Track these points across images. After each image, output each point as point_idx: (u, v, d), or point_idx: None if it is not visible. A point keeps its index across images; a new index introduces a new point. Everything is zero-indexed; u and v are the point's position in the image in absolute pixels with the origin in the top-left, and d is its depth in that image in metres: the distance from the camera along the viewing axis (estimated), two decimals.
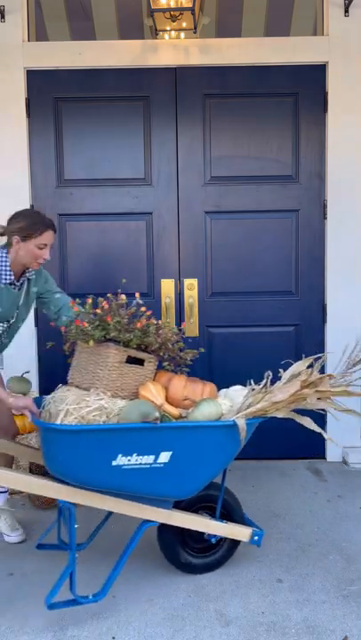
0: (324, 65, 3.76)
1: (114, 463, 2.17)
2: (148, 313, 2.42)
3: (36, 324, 3.90)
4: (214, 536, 2.48)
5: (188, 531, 2.47)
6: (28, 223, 2.49)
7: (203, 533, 2.47)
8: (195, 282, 3.85)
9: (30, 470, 3.25)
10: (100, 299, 2.37)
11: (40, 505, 3.22)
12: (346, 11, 3.68)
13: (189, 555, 2.53)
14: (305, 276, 3.88)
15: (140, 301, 2.45)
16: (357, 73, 3.73)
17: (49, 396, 2.39)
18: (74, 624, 2.25)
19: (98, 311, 2.34)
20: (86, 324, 2.30)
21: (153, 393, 2.34)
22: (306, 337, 3.91)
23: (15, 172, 3.79)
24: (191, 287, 3.85)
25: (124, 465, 2.18)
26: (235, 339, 3.89)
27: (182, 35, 3.74)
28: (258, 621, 2.26)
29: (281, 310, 3.89)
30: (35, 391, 3.71)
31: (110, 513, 2.77)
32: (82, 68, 3.76)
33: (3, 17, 3.69)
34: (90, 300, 2.39)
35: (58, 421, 2.19)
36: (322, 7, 3.79)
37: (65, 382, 2.49)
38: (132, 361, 2.36)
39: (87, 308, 2.38)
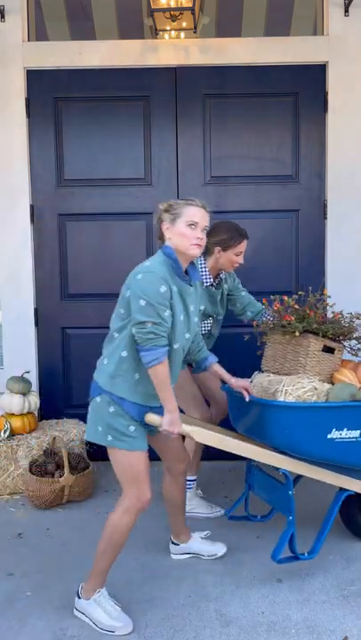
0: (324, 65, 3.76)
1: (328, 436, 2.48)
2: (333, 304, 2.75)
3: (36, 324, 3.91)
4: None
5: None
6: (229, 236, 2.88)
7: None
8: None
9: (30, 470, 3.25)
10: (296, 295, 2.76)
11: (40, 505, 3.22)
12: (346, 11, 3.68)
13: None
14: (305, 275, 3.88)
15: (330, 295, 2.79)
16: (357, 73, 3.73)
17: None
18: (74, 624, 2.25)
19: (277, 307, 2.69)
20: (293, 318, 2.61)
21: (350, 377, 2.63)
22: None
23: (15, 172, 3.79)
24: None
25: (336, 438, 2.49)
26: (235, 338, 3.88)
27: (182, 35, 3.74)
28: (258, 621, 2.25)
29: None
30: (35, 391, 3.71)
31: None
32: (82, 67, 3.76)
33: (3, 17, 3.69)
34: (286, 298, 2.71)
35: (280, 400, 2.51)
36: (322, 7, 3.79)
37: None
38: (325, 349, 2.66)
39: (289, 301, 2.69)
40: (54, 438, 3.43)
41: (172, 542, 2.72)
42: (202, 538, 2.74)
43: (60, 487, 3.19)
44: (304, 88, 3.78)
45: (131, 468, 2.21)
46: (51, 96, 3.79)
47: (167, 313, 2.15)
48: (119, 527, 2.21)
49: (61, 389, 3.95)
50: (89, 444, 3.74)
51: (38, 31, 3.89)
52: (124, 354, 2.21)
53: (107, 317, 3.86)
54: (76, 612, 2.29)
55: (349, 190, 3.79)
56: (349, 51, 3.72)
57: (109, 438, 2.20)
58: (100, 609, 2.23)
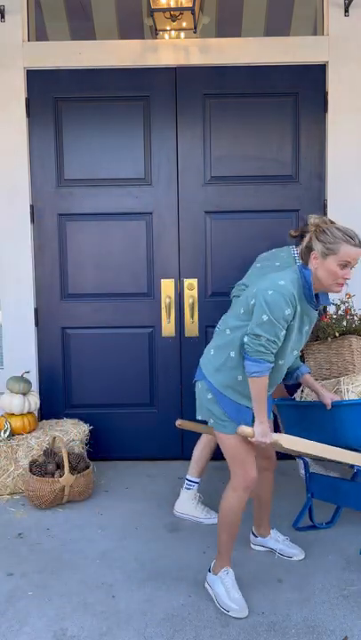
0: (325, 65, 3.76)
1: None
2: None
3: (36, 324, 3.91)
4: None
5: None
6: None
7: None
8: (195, 282, 3.85)
9: (30, 470, 3.25)
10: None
11: (40, 505, 3.22)
12: (346, 11, 3.68)
13: None
14: None
15: (354, 295, 3.04)
16: (357, 73, 3.73)
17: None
18: (74, 624, 2.25)
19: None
20: (328, 320, 2.75)
21: None
22: None
23: (15, 172, 3.79)
24: (191, 287, 3.85)
25: None
26: None
27: (182, 35, 3.73)
28: (258, 621, 2.26)
29: None
30: (35, 391, 3.71)
31: None
32: (82, 67, 3.76)
33: (3, 17, 3.69)
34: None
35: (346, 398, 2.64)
36: (322, 7, 3.79)
37: None
38: None
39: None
40: (54, 438, 3.43)
41: (253, 533, 2.80)
42: (282, 538, 2.77)
43: (60, 487, 3.19)
44: (304, 88, 3.78)
45: (234, 449, 2.32)
46: (51, 96, 3.79)
47: (283, 333, 2.22)
48: (229, 505, 2.35)
49: (61, 389, 3.95)
50: (88, 443, 3.75)
51: (38, 31, 3.89)
52: (233, 354, 2.30)
53: (107, 317, 3.90)
54: (205, 585, 2.46)
55: (349, 190, 3.79)
56: (349, 51, 3.72)
57: (212, 421, 2.36)
58: (223, 587, 2.37)
